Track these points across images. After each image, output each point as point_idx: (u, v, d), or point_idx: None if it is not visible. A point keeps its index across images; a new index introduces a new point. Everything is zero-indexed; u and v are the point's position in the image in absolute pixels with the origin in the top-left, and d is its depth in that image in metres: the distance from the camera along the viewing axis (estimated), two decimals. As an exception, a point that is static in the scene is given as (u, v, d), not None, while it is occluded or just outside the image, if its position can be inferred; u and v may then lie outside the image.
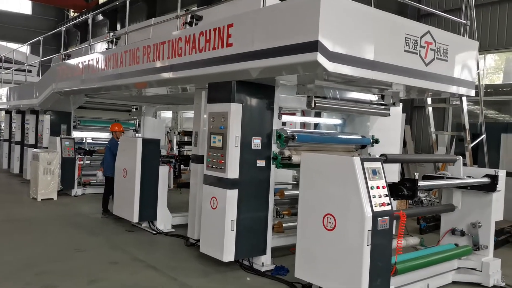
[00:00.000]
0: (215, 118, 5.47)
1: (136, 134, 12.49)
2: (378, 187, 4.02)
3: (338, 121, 6.96)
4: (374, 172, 4.05)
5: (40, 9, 35.88)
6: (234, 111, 5.23)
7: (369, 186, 3.96)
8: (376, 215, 3.90)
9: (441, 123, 13.74)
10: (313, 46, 4.10)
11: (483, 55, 12.93)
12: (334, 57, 4.22)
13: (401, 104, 6.85)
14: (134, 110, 12.73)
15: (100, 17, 30.22)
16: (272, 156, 5.58)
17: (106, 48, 8.88)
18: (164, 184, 7.43)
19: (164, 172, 7.40)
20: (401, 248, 4.22)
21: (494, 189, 5.30)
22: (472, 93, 5.83)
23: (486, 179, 5.32)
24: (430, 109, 7.92)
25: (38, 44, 12.73)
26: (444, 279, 5.20)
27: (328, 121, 7.03)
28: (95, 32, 27.03)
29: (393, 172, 6.68)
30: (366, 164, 4.02)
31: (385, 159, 4.58)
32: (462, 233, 5.52)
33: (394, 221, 4.24)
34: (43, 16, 36.29)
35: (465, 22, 6.22)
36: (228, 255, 5.30)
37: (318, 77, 4.76)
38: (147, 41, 6.71)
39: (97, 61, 8.26)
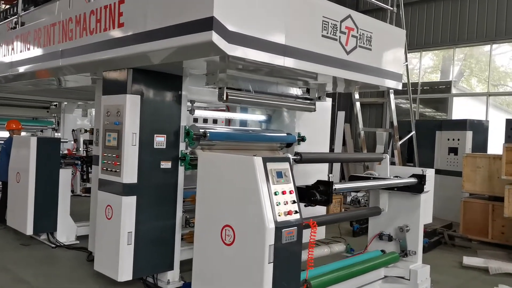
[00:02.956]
0: (110, 112, 4.67)
1: (55, 134, 11.33)
2: (284, 192, 3.38)
3: (262, 117, 6.34)
4: (280, 174, 3.40)
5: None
6: (130, 104, 4.45)
7: (273, 192, 3.31)
8: (280, 226, 3.26)
9: (379, 120, 13.61)
10: (208, 24, 3.41)
11: (419, 53, 12.90)
12: (235, 38, 3.55)
13: (330, 100, 6.36)
14: (54, 106, 11.52)
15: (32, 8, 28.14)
16: (180, 156, 4.85)
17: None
18: (67, 189, 6.49)
19: (66, 176, 6.46)
20: (312, 261, 3.61)
21: (421, 190, 4.88)
22: (399, 86, 5.38)
23: (413, 179, 4.89)
24: (358, 104, 7.49)
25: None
26: (369, 291, 4.70)
27: (250, 117, 6.39)
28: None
29: (321, 172, 6.17)
30: (270, 165, 3.37)
31: (300, 158, 4.01)
32: (390, 238, 5.08)
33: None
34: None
35: (392, 8, 5.76)
36: (125, 274, 4.49)
37: (226, 65, 4.08)
38: (37, 23, 5.75)
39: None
